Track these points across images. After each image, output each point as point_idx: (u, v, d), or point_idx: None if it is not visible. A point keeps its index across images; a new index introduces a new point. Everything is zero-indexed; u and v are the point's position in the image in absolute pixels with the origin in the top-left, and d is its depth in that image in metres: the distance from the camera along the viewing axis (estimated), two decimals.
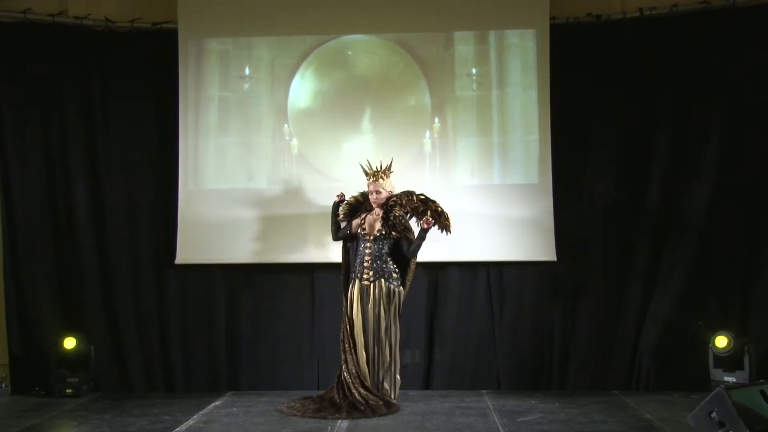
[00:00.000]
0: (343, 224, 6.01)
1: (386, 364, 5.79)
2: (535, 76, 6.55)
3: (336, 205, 6.01)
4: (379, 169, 5.92)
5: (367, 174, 5.96)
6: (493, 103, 6.62)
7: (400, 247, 5.88)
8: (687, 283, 6.33)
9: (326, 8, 6.69)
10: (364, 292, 5.82)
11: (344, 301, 5.93)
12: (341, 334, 5.87)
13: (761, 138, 6.32)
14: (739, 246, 6.35)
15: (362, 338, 5.79)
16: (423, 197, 5.91)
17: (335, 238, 6.03)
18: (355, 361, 5.77)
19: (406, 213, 5.87)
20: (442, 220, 5.80)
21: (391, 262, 5.86)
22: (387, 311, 5.80)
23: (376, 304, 5.79)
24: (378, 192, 5.87)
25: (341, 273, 6.04)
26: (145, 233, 6.68)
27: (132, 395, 6.35)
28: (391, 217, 5.81)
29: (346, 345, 5.81)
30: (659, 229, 6.42)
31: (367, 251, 5.86)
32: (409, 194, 5.90)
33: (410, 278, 5.96)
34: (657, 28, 6.48)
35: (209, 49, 6.73)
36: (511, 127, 6.61)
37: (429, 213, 5.76)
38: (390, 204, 5.87)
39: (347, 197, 6.05)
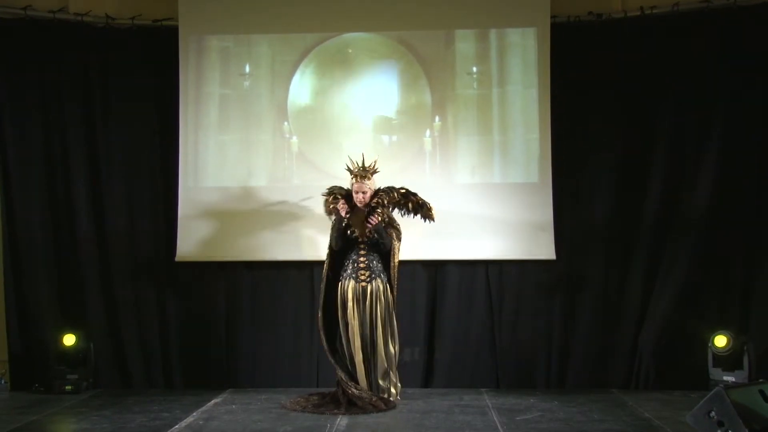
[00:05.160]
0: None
1: (384, 364, 5.79)
2: (535, 75, 6.55)
3: (341, 218, 5.80)
4: (366, 167, 5.85)
5: (352, 172, 5.86)
6: (494, 101, 6.62)
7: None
8: (686, 282, 6.33)
9: (327, 6, 6.69)
10: (360, 293, 5.80)
11: (325, 302, 5.83)
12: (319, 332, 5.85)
13: (762, 137, 6.32)
14: (739, 245, 6.35)
15: (359, 340, 5.77)
16: (404, 191, 5.90)
17: (339, 248, 5.84)
18: (348, 363, 5.78)
19: (390, 209, 5.86)
20: (424, 211, 5.88)
21: (379, 261, 5.86)
22: (384, 309, 5.80)
23: (373, 304, 5.78)
24: (364, 192, 5.81)
25: (326, 274, 5.87)
26: (145, 230, 6.68)
27: (131, 392, 6.35)
28: (373, 221, 5.71)
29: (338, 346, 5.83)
30: (659, 227, 6.42)
31: (362, 252, 5.84)
32: (389, 191, 5.88)
33: (395, 273, 5.89)
34: (658, 27, 6.48)
35: (210, 46, 6.73)
36: (512, 125, 6.61)
37: (410, 205, 5.86)
38: (372, 205, 5.80)
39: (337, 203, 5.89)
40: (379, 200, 5.82)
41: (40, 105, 6.58)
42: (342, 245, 5.83)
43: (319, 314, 5.85)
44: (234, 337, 6.64)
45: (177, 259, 6.60)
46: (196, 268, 6.66)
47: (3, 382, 6.57)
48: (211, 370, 6.61)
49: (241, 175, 6.67)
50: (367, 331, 5.77)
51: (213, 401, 5.94)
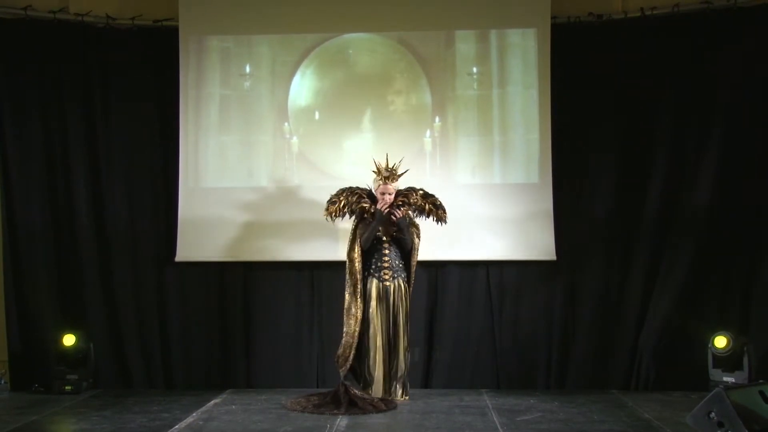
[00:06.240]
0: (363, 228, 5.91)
1: (402, 365, 5.84)
2: (536, 75, 6.55)
3: (380, 218, 5.85)
4: (393, 170, 5.90)
5: (380, 174, 5.91)
6: (494, 102, 6.63)
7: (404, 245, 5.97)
8: (686, 282, 6.33)
9: (327, 6, 6.69)
10: (383, 292, 5.85)
11: (356, 303, 5.83)
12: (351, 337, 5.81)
13: (762, 138, 6.32)
14: (739, 246, 6.34)
15: (379, 339, 5.80)
16: (422, 192, 6.01)
17: (368, 247, 5.88)
18: (364, 364, 5.81)
19: (414, 211, 5.96)
20: (439, 213, 5.96)
21: (400, 260, 5.94)
22: (405, 309, 5.89)
23: (395, 303, 5.85)
24: (390, 194, 5.88)
25: (356, 274, 5.82)
26: (146, 231, 6.68)
27: (131, 392, 6.35)
28: (399, 214, 5.81)
29: (352, 351, 5.80)
30: (659, 228, 6.42)
31: (386, 251, 5.89)
32: (413, 192, 5.97)
33: (413, 273, 6.01)
34: (658, 28, 6.48)
35: (210, 46, 6.73)
36: (512, 126, 6.61)
37: (427, 207, 5.92)
38: (397, 204, 5.88)
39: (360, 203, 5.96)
40: (404, 200, 5.91)
41: (40, 105, 6.58)
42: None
43: (359, 315, 5.79)
44: (234, 337, 6.64)
45: (177, 259, 6.60)
46: (196, 269, 6.65)
47: (3, 382, 6.57)
48: (211, 370, 6.61)
49: (241, 176, 6.67)
50: (390, 331, 5.82)
51: (213, 401, 5.94)
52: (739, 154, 6.31)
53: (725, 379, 5.94)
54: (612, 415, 5.42)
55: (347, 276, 5.89)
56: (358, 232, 5.89)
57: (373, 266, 5.90)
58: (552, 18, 6.55)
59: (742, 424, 4.08)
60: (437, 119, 6.63)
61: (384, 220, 5.85)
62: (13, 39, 6.54)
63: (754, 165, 6.33)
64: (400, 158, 5.94)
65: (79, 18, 6.61)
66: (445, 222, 5.99)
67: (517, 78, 6.61)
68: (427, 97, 6.65)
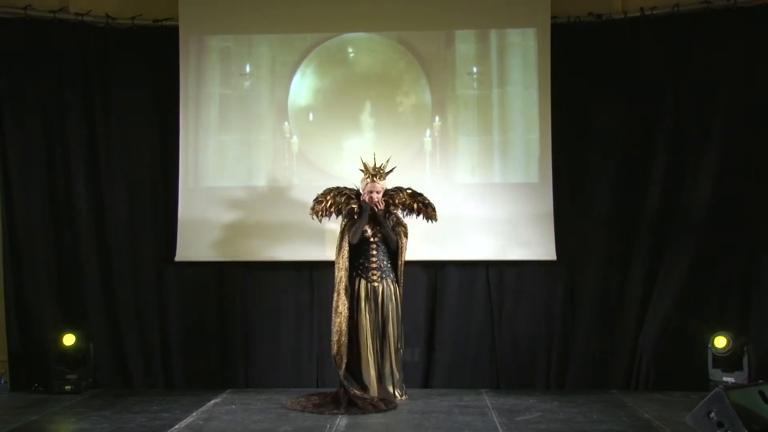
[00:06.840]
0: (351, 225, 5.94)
1: (394, 364, 5.84)
2: (535, 75, 6.55)
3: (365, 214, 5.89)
4: (380, 168, 5.92)
5: (366, 172, 5.95)
6: (494, 101, 6.63)
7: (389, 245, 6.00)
8: (686, 282, 6.32)
9: (327, 6, 6.70)
10: (371, 292, 5.85)
11: (342, 302, 5.85)
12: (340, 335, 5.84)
13: (761, 138, 6.32)
14: (739, 246, 6.34)
15: (369, 340, 5.80)
16: (410, 191, 6.01)
17: (356, 241, 5.89)
18: (353, 363, 5.81)
19: (403, 211, 5.98)
20: (429, 211, 5.96)
21: (388, 260, 5.95)
22: (395, 309, 5.88)
23: (384, 304, 5.85)
24: (377, 192, 5.90)
25: (343, 272, 5.88)
26: (145, 230, 6.69)
27: (131, 392, 6.35)
28: (381, 205, 5.86)
29: (345, 349, 5.82)
30: (659, 228, 6.42)
31: (373, 251, 5.89)
32: (398, 191, 5.98)
33: (401, 273, 5.99)
34: (658, 28, 6.48)
35: (210, 46, 6.73)
36: (512, 125, 6.61)
37: (416, 206, 5.94)
38: (385, 202, 5.92)
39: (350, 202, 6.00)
40: (390, 200, 5.92)
41: (40, 105, 6.58)
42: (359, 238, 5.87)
43: (345, 312, 5.80)
44: (234, 337, 6.64)
45: (177, 259, 6.60)
46: (196, 268, 6.65)
47: (3, 382, 6.57)
48: (210, 370, 6.61)
49: (241, 176, 6.67)
50: (379, 331, 5.83)
51: (213, 401, 5.94)
52: (739, 154, 6.31)
53: (725, 379, 5.94)
54: (612, 415, 5.42)
55: (335, 275, 5.88)
56: (346, 231, 5.90)
57: (361, 267, 5.90)
58: (552, 18, 6.55)
59: (742, 424, 4.08)
60: (437, 119, 6.63)
61: (370, 211, 5.84)
62: (13, 39, 6.54)
63: (754, 165, 6.32)
64: (387, 157, 5.95)
65: (79, 18, 6.61)
66: (435, 220, 6.00)
67: (517, 78, 6.61)
68: (427, 97, 6.65)
